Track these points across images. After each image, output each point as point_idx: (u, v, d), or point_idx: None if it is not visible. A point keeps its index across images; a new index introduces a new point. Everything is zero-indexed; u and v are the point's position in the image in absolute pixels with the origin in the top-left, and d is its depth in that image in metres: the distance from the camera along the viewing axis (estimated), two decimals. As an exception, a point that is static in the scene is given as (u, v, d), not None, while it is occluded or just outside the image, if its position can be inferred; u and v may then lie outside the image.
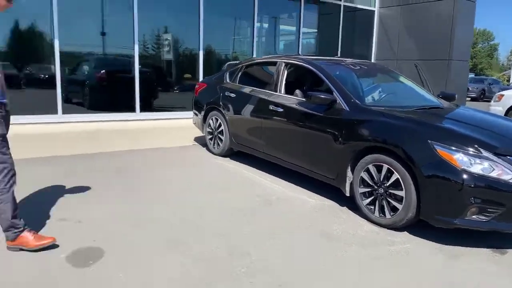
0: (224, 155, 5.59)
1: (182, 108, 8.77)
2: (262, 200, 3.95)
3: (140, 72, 8.20)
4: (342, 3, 11.10)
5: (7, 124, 2.63)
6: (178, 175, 4.69)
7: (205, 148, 6.02)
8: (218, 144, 5.62)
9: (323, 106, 4.07)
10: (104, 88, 8.10)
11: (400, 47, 11.31)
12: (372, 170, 3.55)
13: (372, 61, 12.01)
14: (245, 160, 5.38)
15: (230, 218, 3.44)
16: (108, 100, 8.04)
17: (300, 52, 10.61)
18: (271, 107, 4.67)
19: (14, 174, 2.63)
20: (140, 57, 8.19)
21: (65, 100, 7.41)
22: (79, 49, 7.80)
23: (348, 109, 3.93)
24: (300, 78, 5.23)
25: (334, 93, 4.09)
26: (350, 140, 3.80)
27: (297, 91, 4.75)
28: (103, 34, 7.92)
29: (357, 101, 4.00)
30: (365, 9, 11.74)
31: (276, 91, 4.78)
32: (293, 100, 4.52)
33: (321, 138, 4.04)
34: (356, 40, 11.99)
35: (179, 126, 7.75)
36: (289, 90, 4.80)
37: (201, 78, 9.01)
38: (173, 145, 6.23)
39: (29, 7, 6.84)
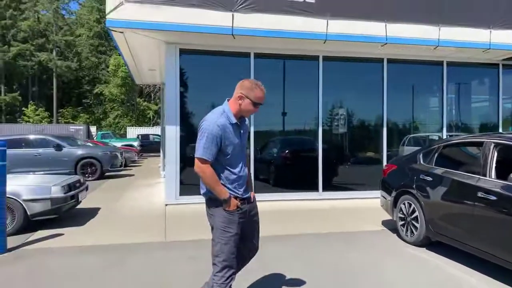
0: (419, 244, 5.05)
1: (364, 186, 8.56)
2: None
3: (323, 150, 8.45)
4: (552, 64, 9.52)
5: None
6: (368, 266, 4.39)
7: (395, 234, 5.58)
8: (412, 232, 5.12)
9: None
10: (288, 167, 8.58)
11: None
12: None
13: None
14: (445, 251, 4.72)
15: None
16: (292, 179, 8.44)
17: (500, 122, 9.35)
18: (480, 194, 4.07)
19: (234, 272, 2.81)
20: (323, 135, 8.48)
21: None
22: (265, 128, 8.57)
23: None
24: (515, 160, 4.47)
25: None
26: None
27: (512, 176, 4.04)
28: (284, 114, 8.56)
29: None
30: None
31: (485, 176, 4.18)
32: (510, 188, 3.85)
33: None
34: None
35: (364, 207, 7.49)
36: (501, 175, 4.14)
37: (384, 154, 8.75)
38: (360, 229, 5.98)
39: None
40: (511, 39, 7.95)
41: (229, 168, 2.77)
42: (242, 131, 2.84)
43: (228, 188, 2.77)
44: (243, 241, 2.92)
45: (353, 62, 8.75)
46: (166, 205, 7.55)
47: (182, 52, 7.77)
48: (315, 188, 8.39)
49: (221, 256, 2.73)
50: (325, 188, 8.44)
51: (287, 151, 8.79)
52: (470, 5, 7.80)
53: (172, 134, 7.61)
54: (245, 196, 2.86)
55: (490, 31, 7.85)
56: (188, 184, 7.90)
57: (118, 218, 6.78)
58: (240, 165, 2.83)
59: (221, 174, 2.76)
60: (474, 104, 10.09)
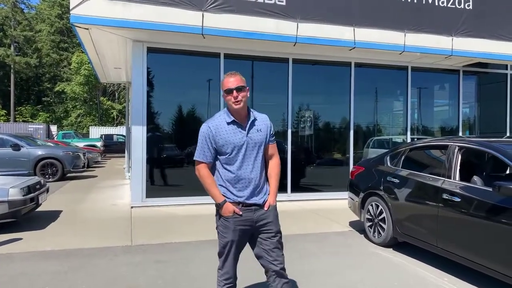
0: (386, 245, 5.14)
1: (332, 187, 8.67)
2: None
3: (292, 151, 8.49)
4: (509, 71, 10.04)
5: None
6: (335, 268, 4.42)
7: (363, 235, 5.67)
8: (379, 233, 5.22)
9: (515, 198, 3.48)
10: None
11: None
12: None
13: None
14: (411, 252, 4.84)
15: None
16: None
17: (460, 126, 9.74)
18: (445, 196, 4.19)
19: (229, 278, 2.73)
20: (292, 136, 8.53)
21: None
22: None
23: (552, 204, 3.26)
24: (477, 163, 4.65)
25: (529, 183, 3.47)
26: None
27: (476, 178, 4.19)
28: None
29: None
30: (537, 76, 10.37)
31: (450, 178, 4.31)
32: (474, 190, 3.98)
33: (517, 237, 3.41)
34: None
35: (332, 207, 7.58)
36: (465, 177, 4.29)
37: (351, 156, 8.90)
38: (328, 230, 6.03)
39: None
40: (471, 46, 8.30)
41: (227, 167, 2.64)
42: (251, 130, 2.65)
43: (228, 190, 2.65)
44: (258, 256, 2.75)
45: (322, 65, 8.86)
46: (132, 207, 7.33)
47: (150, 50, 7.59)
48: (284, 190, 8.41)
49: (220, 258, 2.75)
50: (293, 190, 8.49)
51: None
52: (433, 13, 8.07)
53: (139, 134, 7.41)
54: (249, 201, 2.65)
55: (452, 38, 8.17)
56: (155, 186, 7.72)
57: (81, 221, 6.51)
58: (245, 165, 2.63)
59: (221, 174, 2.68)
60: (436, 109, 10.48)
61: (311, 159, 9.09)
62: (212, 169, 2.72)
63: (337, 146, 9.38)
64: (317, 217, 6.99)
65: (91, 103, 40.75)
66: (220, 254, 2.74)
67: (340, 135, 9.21)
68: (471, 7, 8.26)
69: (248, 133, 2.66)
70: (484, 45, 8.37)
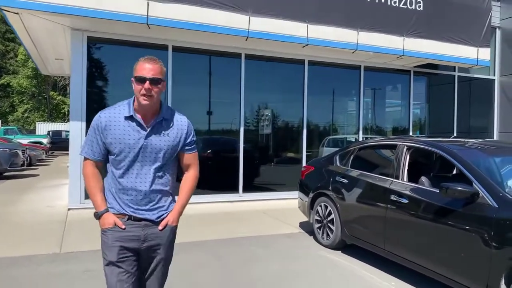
0: (334, 247, 4.98)
1: (284, 186, 8.49)
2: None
3: (244, 150, 8.22)
4: (456, 73, 10.29)
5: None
6: (281, 272, 4.19)
7: (312, 237, 5.49)
8: (328, 235, 5.05)
9: (461, 200, 3.39)
10: (208, 168, 8.22)
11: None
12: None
13: (495, 135, 10.68)
14: (360, 255, 4.69)
15: None
16: (212, 181, 8.10)
17: (411, 126, 9.87)
18: (393, 197, 4.06)
19: None
20: (245, 135, 8.25)
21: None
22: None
23: (496, 205, 3.19)
24: (425, 164, 4.59)
25: (474, 184, 3.40)
26: (504, 245, 3.04)
27: (423, 179, 4.09)
28: (205, 112, 8.18)
29: (507, 195, 3.26)
30: (483, 78, 10.72)
31: (398, 179, 4.19)
32: (421, 191, 3.88)
33: (462, 240, 3.33)
34: (474, 112, 10.85)
35: (283, 208, 7.39)
36: (413, 177, 4.18)
37: (304, 155, 8.76)
38: (277, 232, 5.81)
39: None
40: (422, 47, 8.37)
41: (114, 171, 2.18)
42: (154, 133, 2.15)
43: (115, 198, 2.18)
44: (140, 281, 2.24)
45: (275, 62, 8.64)
46: (69, 209, 6.77)
47: (91, 40, 7.04)
48: (236, 189, 8.14)
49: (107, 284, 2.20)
50: (245, 189, 8.22)
51: (208, 151, 8.42)
52: (386, 12, 8.06)
53: (77, 131, 6.84)
54: (138, 215, 2.16)
55: (404, 39, 8.20)
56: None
57: (11, 225, 5.90)
58: (134, 172, 2.14)
59: (110, 178, 2.22)
60: (388, 108, 10.58)
61: (265, 158, 8.87)
62: (105, 170, 2.26)
63: (291, 145, 9.22)
64: (267, 218, 6.76)
65: (40, 97, 38.54)
66: (106, 280, 2.19)
67: (294, 133, 9.05)
68: (422, 8, 8.33)
69: (149, 135, 2.14)
70: (434, 46, 8.48)
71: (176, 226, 2.30)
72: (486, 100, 10.85)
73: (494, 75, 10.77)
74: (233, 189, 8.13)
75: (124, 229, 2.14)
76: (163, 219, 2.22)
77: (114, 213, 2.17)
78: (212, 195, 7.85)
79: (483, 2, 9.04)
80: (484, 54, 9.00)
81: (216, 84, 8.24)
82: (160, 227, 2.21)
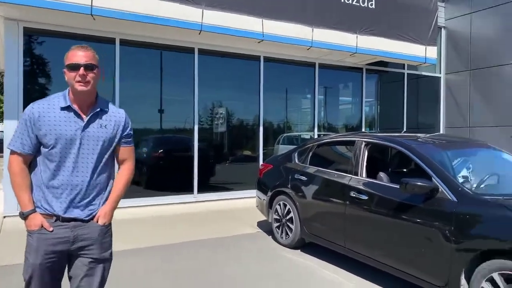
0: (294, 246, 4.85)
1: (241, 185, 8.29)
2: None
3: (199, 149, 7.93)
4: (405, 71, 10.59)
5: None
6: (238, 275, 3.99)
7: (270, 236, 5.33)
8: (287, 234, 4.92)
9: (420, 195, 3.36)
10: (161, 168, 7.85)
11: (473, 114, 10.40)
12: (499, 280, 2.75)
13: (442, 130, 11.13)
14: (320, 253, 4.59)
15: None
16: (165, 181, 7.74)
17: (363, 123, 10.03)
18: (352, 193, 3.99)
19: None
20: (200, 133, 7.97)
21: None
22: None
23: (455, 199, 3.19)
24: (383, 159, 4.58)
25: (433, 179, 3.39)
26: (464, 240, 3.05)
27: (382, 175, 4.06)
28: (157, 110, 7.80)
29: (465, 189, 3.27)
30: (430, 76, 11.13)
31: (356, 175, 4.12)
32: (381, 187, 3.83)
33: (422, 235, 3.31)
34: (422, 109, 11.24)
35: (240, 207, 7.20)
36: (371, 173, 4.14)
37: (261, 153, 8.62)
38: (234, 232, 5.60)
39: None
40: (373, 45, 8.49)
41: (48, 164, 2.03)
42: (92, 124, 2.08)
43: (44, 195, 2.03)
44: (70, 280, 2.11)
45: (230, 58, 8.40)
46: (5, 217, 6.16)
47: (28, 31, 6.44)
48: (190, 190, 7.82)
49: None
50: (200, 190, 7.92)
51: (160, 150, 8.03)
52: (340, 10, 8.08)
53: (12, 131, 6.18)
54: (66, 215, 2.03)
55: (357, 36, 8.27)
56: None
57: None
58: (70, 165, 2.03)
59: (40, 172, 2.06)
60: (341, 106, 10.70)
61: (221, 157, 8.62)
62: (33, 165, 2.10)
63: (247, 143, 9.04)
64: (224, 219, 6.52)
65: (-26, 95, 35.74)
66: (25, 285, 2.05)
67: (250, 131, 8.87)
68: (374, 6, 8.45)
69: (86, 126, 2.07)
70: (386, 44, 8.63)
71: (110, 222, 2.19)
72: (433, 97, 11.28)
73: (440, 73, 11.20)
74: (188, 189, 7.81)
75: (52, 231, 2.01)
76: (94, 216, 2.11)
77: (41, 213, 2.04)
78: (165, 196, 7.49)
79: (430, 2, 9.34)
80: (432, 52, 9.31)
81: (168, 80, 7.87)
82: (94, 221, 2.10)
